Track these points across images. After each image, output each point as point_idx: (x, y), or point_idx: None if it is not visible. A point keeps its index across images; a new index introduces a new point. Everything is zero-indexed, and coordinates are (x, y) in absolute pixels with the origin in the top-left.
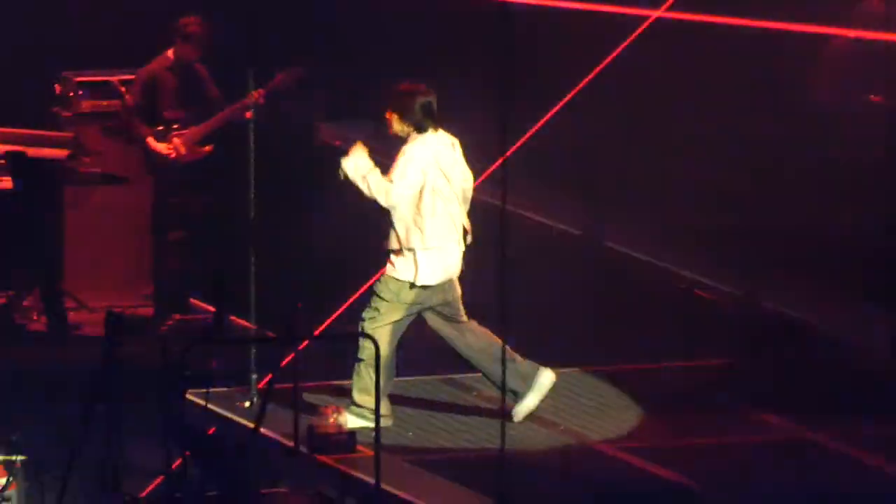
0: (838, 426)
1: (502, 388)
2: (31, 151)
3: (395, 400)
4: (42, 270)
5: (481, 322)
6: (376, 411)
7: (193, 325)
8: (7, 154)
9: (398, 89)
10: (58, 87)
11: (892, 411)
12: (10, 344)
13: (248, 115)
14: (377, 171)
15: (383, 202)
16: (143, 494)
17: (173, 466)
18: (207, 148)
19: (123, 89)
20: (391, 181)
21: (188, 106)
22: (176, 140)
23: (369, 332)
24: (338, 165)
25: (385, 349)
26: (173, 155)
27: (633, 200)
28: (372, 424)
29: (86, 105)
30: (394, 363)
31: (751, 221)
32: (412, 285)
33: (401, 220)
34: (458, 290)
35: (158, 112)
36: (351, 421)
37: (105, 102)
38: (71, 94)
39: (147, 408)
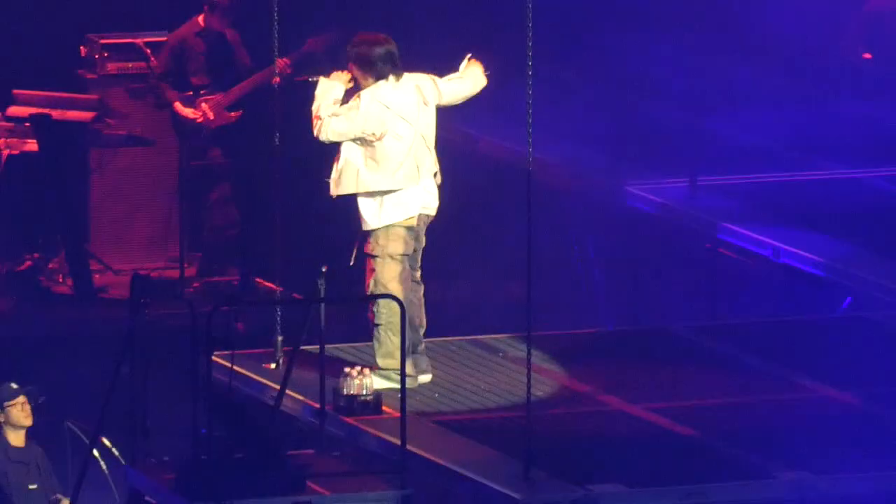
0: (865, 386)
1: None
2: (57, 114)
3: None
4: (68, 233)
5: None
6: (402, 373)
7: (220, 288)
8: (32, 117)
9: (355, 41)
10: (83, 49)
11: None
12: (36, 306)
13: (276, 80)
14: (334, 107)
15: (314, 133)
16: (169, 456)
17: (200, 429)
18: (235, 113)
19: (149, 51)
20: (331, 118)
21: (218, 72)
22: (204, 105)
23: (378, 294)
24: (313, 75)
25: (398, 308)
26: (200, 119)
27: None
28: (398, 385)
29: (111, 67)
30: (414, 316)
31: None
32: (394, 229)
33: (349, 164)
34: (423, 241)
35: (186, 77)
36: (377, 383)
37: (130, 64)
38: (96, 55)
39: (173, 370)
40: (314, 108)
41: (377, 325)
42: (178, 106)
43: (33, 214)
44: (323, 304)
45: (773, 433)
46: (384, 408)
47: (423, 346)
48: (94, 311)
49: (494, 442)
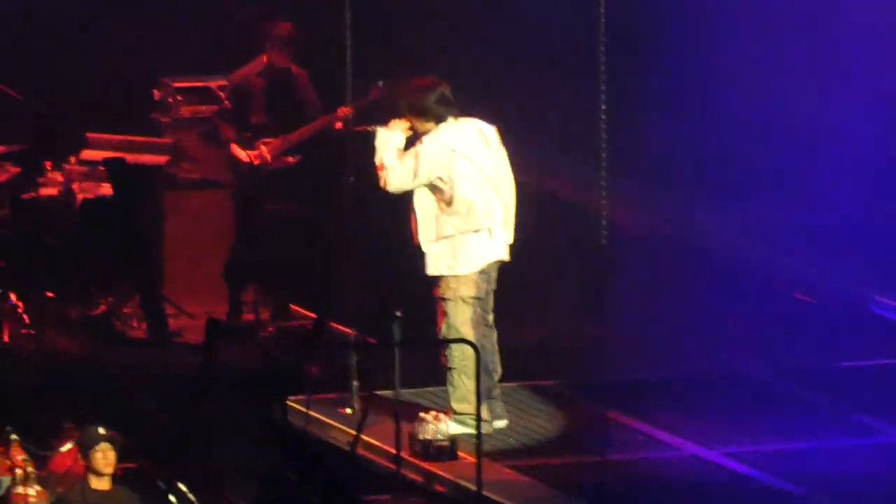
0: None
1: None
2: (131, 157)
3: None
4: (142, 277)
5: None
6: (477, 418)
7: (294, 332)
8: (106, 160)
9: (407, 90)
10: (157, 93)
11: None
12: (110, 350)
13: (338, 126)
14: (397, 154)
15: (381, 184)
16: (244, 501)
17: (274, 473)
18: (294, 158)
19: (222, 95)
20: (392, 167)
21: (279, 112)
22: (262, 147)
23: (450, 338)
24: (372, 124)
25: (472, 352)
26: (256, 162)
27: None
28: (473, 430)
29: (185, 111)
30: (488, 362)
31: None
32: (465, 276)
33: (425, 212)
34: (494, 284)
35: (247, 117)
36: (453, 428)
37: (204, 108)
38: (170, 99)
39: (248, 414)
40: (377, 159)
41: (451, 368)
42: (234, 148)
43: (107, 258)
44: (398, 349)
45: (851, 478)
46: (460, 453)
47: (497, 391)
48: (169, 354)
49: (568, 487)
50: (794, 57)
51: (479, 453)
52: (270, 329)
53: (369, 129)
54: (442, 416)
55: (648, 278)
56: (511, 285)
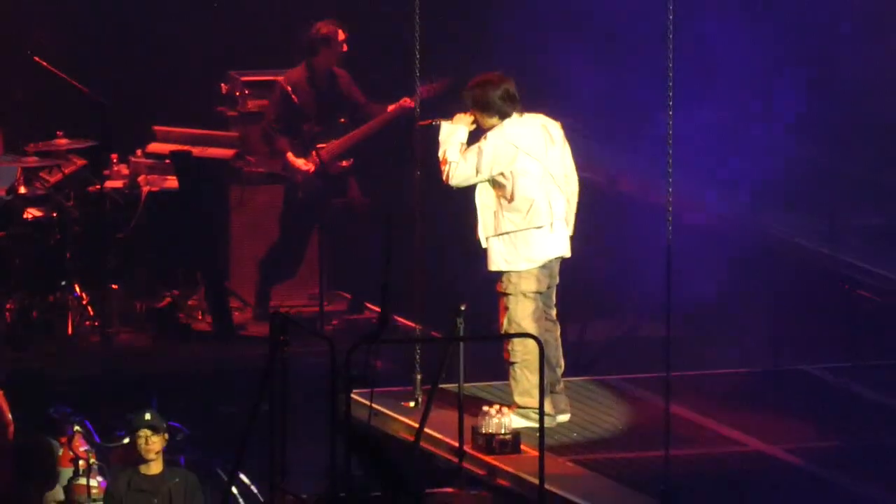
0: None
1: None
2: (197, 151)
3: None
4: (207, 270)
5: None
6: (540, 412)
7: (359, 326)
8: (172, 153)
9: (471, 85)
10: (224, 87)
11: None
12: (175, 343)
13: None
14: (461, 148)
15: (443, 178)
16: (307, 494)
17: (338, 467)
18: (346, 162)
19: (289, 89)
20: (455, 161)
21: (330, 115)
22: (315, 155)
23: (512, 332)
24: (437, 118)
25: (534, 346)
26: (312, 170)
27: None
28: (536, 424)
29: (251, 104)
30: (551, 356)
31: None
32: (527, 271)
33: (485, 207)
34: (557, 279)
35: (298, 124)
36: (515, 422)
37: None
38: (237, 93)
39: (312, 408)
40: (441, 153)
41: (513, 363)
42: (290, 156)
43: (173, 251)
44: (462, 343)
45: None
46: (523, 447)
47: (561, 385)
48: (234, 348)
49: (632, 481)
50: None
51: (542, 447)
52: (335, 322)
53: (433, 122)
54: (505, 409)
55: (715, 277)
56: (578, 280)
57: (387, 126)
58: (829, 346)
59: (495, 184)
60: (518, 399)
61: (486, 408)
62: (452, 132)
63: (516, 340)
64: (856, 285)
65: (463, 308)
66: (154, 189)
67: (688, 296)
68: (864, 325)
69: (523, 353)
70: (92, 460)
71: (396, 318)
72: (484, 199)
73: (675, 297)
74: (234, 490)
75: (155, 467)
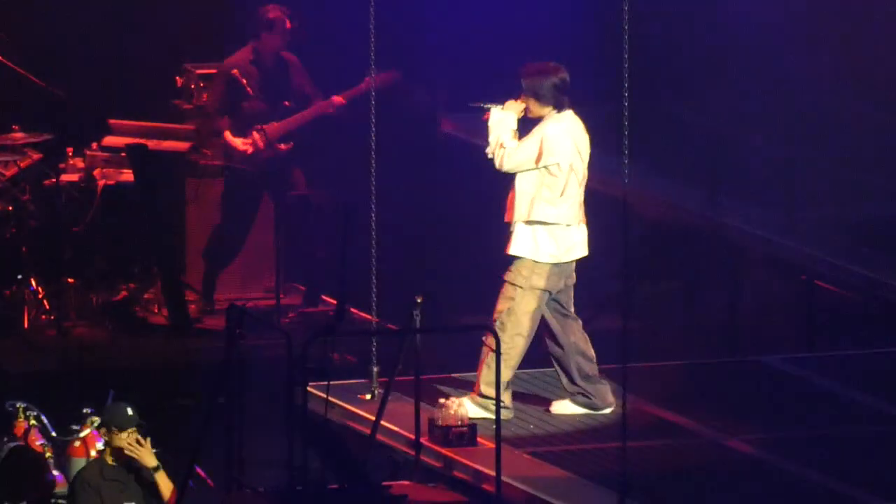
0: None
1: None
2: (153, 144)
3: (517, 393)
4: (163, 263)
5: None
6: (497, 406)
7: (315, 318)
8: (128, 146)
9: (527, 72)
10: (179, 80)
11: None
12: (131, 337)
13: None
14: (512, 134)
15: (496, 163)
16: (264, 486)
17: (294, 459)
18: (286, 145)
19: (244, 81)
20: (513, 148)
21: (273, 99)
22: (255, 135)
23: (509, 324)
24: (487, 102)
25: (522, 342)
26: (250, 150)
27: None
28: (493, 416)
29: (206, 97)
30: (584, 350)
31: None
32: (543, 265)
33: (523, 193)
34: (574, 277)
35: (240, 105)
36: (472, 411)
37: None
38: (192, 86)
39: (269, 400)
40: (493, 138)
41: (494, 351)
42: (227, 135)
43: (129, 244)
44: (419, 335)
45: (870, 466)
46: (479, 439)
47: (600, 377)
48: (190, 341)
49: (590, 473)
50: None
51: (499, 440)
52: (291, 315)
53: (484, 105)
54: (462, 401)
55: (674, 268)
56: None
57: (328, 117)
58: (788, 336)
59: (545, 174)
60: (484, 388)
61: (442, 400)
62: (503, 118)
63: (508, 332)
64: (814, 276)
65: (420, 300)
66: (110, 182)
67: (645, 287)
68: (822, 316)
69: (509, 347)
70: (48, 454)
71: (353, 310)
72: (524, 186)
73: (632, 289)
74: (191, 483)
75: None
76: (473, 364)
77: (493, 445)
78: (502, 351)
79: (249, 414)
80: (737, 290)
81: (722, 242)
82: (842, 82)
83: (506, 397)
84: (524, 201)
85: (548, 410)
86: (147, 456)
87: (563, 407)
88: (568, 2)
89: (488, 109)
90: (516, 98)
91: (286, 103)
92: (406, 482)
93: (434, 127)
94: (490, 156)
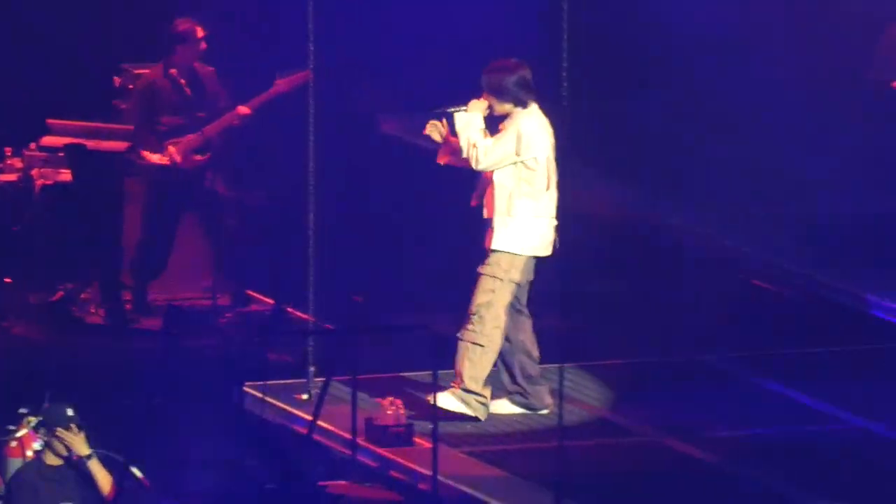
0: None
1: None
2: (91, 144)
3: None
4: (101, 263)
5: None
6: (433, 399)
7: (252, 318)
8: (67, 146)
9: (489, 70)
10: (117, 80)
11: None
12: (69, 336)
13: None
14: (482, 133)
15: (473, 164)
16: (202, 487)
17: (231, 459)
18: (202, 157)
19: (183, 81)
20: (488, 146)
21: (189, 111)
22: (171, 148)
23: (488, 317)
24: (448, 106)
25: (500, 335)
26: (167, 163)
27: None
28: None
29: (125, 115)
30: (531, 349)
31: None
32: (520, 258)
33: (502, 188)
34: (532, 275)
35: (157, 120)
36: (451, 404)
37: None
38: (130, 86)
39: (206, 400)
40: (463, 141)
41: (479, 345)
42: (144, 153)
43: (67, 244)
44: (356, 335)
45: (809, 465)
46: (415, 439)
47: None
48: (127, 341)
49: (526, 473)
50: None
51: (436, 439)
52: (228, 315)
53: (449, 109)
54: (399, 402)
55: (611, 267)
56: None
57: (235, 128)
58: (726, 335)
59: (522, 169)
60: (469, 382)
61: (379, 400)
62: (470, 119)
63: (489, 325)
64: (751, 275)
65: (357, 299)
66: (48, 182)
67: (584, 286)
68: (760, 314)
69: (489, 340)
70: None
71: (290, 310)
72: (502, 181)
73: (570, 288)
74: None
75: (55, 460)
76: (410, 364)
77: (429, 445)
78: (483, 344)
79: (186, 414)
80: (675, 289)
81: (661, 241)
82: (784, 80)
83: (487, 392)
84: (503, 196)
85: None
86: (79, 444)
87: (501, 406)
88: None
89: (452, 114)
90: (478, 97)
91: (201, 115)
92: (342, 482)
93: (373, 128)
94: (465, 156)
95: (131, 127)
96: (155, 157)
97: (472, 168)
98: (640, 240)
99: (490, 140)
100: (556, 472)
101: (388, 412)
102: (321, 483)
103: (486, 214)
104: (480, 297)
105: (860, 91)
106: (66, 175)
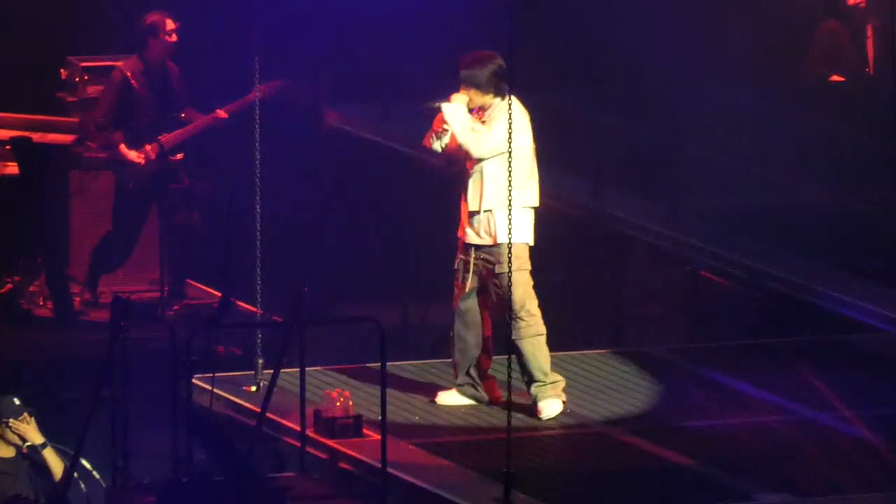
0: (850, 408)
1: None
2: (37, 137)
3: (402, 385)
4: (48, 256)
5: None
6: (382, 392)
7: (200, 310)
8: (12, 139)
9: (465, 62)
10: (63, 72)
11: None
12: (16, 329)
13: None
14: (477, 124)
15: (473, 149)
16: (149, 479)
17: (179, 452)
18: (177, 156)
19: (129, 74)
20: (486, 131)
21: (163, 108)
22: (147, 147)
23: (533, 307)
24: (434, 102)
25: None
26: (143, 162)
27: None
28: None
29: (91, 90)
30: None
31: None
32: (526, 247)
33: (494, 180)
34: None
35: (132, 115)
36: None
37: None
38: (77, 78)
39: (154, 393)
40: (458, 127)
41: (541, 334)
42: (122, 148)
43: (13, 237)
44: (303, 327)
45: (755, 456)
46: (365, 430)
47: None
48: (75, 334)
49: (474, 464)
50: None
51: (384, 430)
52: (176, 307)
53: (434, 105)
54: (347, 393)
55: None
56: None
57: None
58: (672, 327)
59: (511, 157)
60: (550, 374)
61: (327, 392)
62: (457, 110)
63: (538, 311)
64: (698, 267)
65: (305, 291)
66: None
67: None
68: (705, 306)
69: (538, 330)
70: None
71: (237, 302)
72: (493, 172)
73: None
74: (76, 475)
75: (8, 451)
76: (358, 356)
77: (378, 437)
78: (543, 332)
79: (134, 406)
80: (621, 282)
81: (606, 233)
82: (727, 75)
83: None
84: (494, 188)
85: (433, 401)
86: (32, 432)
87: (450, 398)
88: None
89: (438, 109)
90: (456, 91)
91: (182, 115)
92: (291, 474)
93: (319, 119)
94: (463, 144)
95: (77, 119)
96: (132, 154)
97: (468, 154)
98: (587, 232)
99: (485, 127)
100: (505, 464)
101: (337, 404)
102: (270, 475)
103: (472, 207)
104: (518, 293)
105: (799, 84)
106: (11, 168)
